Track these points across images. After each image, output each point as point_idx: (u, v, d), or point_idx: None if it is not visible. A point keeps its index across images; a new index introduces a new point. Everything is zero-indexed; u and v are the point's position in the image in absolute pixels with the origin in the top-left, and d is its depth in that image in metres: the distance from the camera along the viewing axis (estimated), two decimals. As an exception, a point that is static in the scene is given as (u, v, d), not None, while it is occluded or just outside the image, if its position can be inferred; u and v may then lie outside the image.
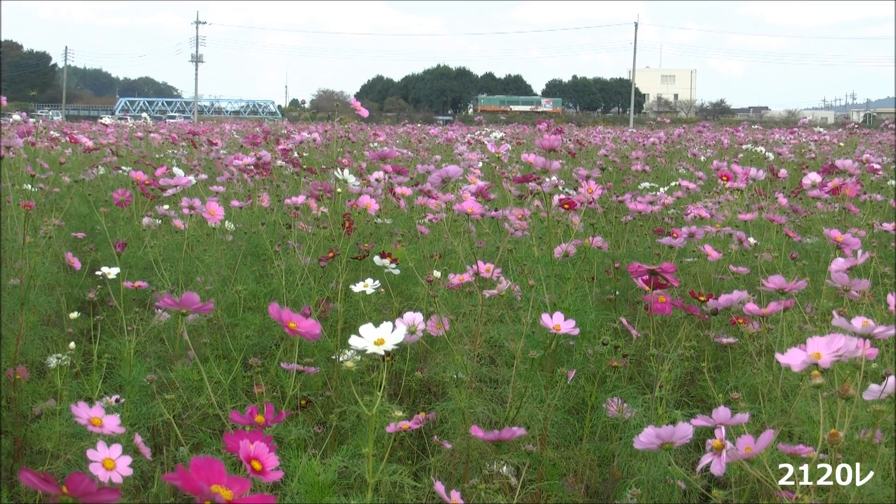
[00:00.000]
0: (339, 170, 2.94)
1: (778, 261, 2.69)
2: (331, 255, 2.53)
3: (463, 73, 76.41)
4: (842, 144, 7.69)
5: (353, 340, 1.34)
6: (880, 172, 4.43)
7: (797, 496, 1.15)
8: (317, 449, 1.73)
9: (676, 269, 2.00)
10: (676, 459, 1.81)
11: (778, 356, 1.19)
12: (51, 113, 39.64)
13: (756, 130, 10.13)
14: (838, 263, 1.86)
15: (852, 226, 3.05)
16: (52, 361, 2.03)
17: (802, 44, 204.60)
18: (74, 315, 2.44)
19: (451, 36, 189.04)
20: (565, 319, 1.82)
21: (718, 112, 61.98)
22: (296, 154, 4.44)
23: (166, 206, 3.19)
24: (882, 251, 2.93)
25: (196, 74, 59.09)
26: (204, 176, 3.97)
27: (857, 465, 1.28)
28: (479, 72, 78.04)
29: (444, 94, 73.79)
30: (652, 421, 1.77)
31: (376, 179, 3.26)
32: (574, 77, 76.88)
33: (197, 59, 60.46)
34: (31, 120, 5.33)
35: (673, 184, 4.14)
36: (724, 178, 3.40)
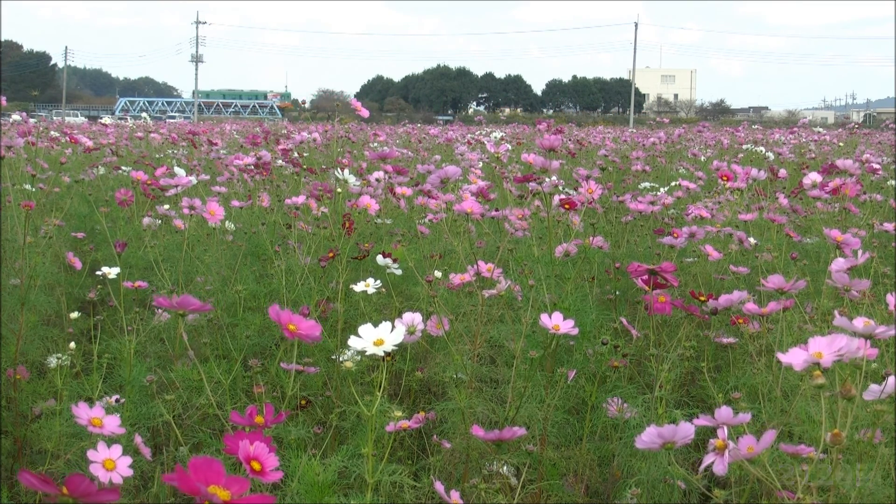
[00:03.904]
0: (339, 170, 2.94)
1: (778, 261, 2.69)
2: (331, 255, 2.53)
3: (463, 73, 76.42)
4: (842, 144, 7.69)
5: (353, 341, 1.34)
6: (880, 172, 4.43)
7: (798, 496, 1.15)
8: (317, 449, 1.73)
9: (676, 269, 2.00)
10: (676, 459, 1.80)
11: (779, 355, 1.19)
12: (53, 112, 39.44)
13: (756, 130, 10.13)
14: (838, 263, 1.85)
15: (852, 226, 3.05)
16: (52, 361, 2.03)
17: (802, 44, 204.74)
18: (74, 315, 2.44)
19: (451, 36, 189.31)
20: (565, 319, 1.82)
21: (718, 112, 61.98)
22: (296, 154, 4.44)
23: (166, 206, 3.19)
24: (882, 251, 2.93)
25: (196, 74, 59.10)
26: (206, 176, 3.98)
27: (858, 465, 1.28)
28: (479, 72, 78.14)
29: (444, 94, 73.79)
30: (652, 421, 1.77)
31: (376, 179, 3.26)
32: (574, 77, 76.95)
33: (197, 59, 60.47)
34: (32, 120, 5.33)
35: (673, 184, 4.14)
36: (725, 178, 3.40)
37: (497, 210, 3.07)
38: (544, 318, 1.81)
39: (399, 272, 2.53)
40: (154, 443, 2.20)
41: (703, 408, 2.02)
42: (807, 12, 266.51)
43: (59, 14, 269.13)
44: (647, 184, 4.39)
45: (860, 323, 1.21)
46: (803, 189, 3.28)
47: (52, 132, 7.33)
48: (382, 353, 1.33)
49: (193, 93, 60.71)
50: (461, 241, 2.53)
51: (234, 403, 1.89)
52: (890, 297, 1.65)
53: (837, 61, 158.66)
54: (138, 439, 1.53)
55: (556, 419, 1.96)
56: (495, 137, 6.80)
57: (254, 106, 62.23)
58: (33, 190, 3.70)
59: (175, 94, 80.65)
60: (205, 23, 63.70)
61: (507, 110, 65.61)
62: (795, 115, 45.79)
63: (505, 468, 1.80)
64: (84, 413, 1.38)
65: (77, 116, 33.93)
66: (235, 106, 62.21)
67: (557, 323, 1.81)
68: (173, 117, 44.67)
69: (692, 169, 5.15)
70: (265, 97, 67.19)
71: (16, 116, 5.20)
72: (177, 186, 3.02)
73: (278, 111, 59.89)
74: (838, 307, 1.97)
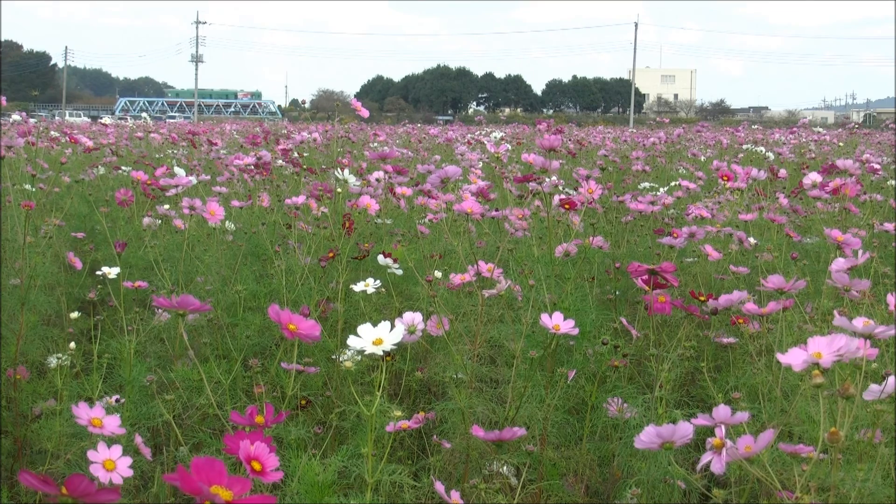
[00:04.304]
0: (339, 170, 2.94)
1: (778, 261, 2.69)
2: (331, 255, 2.53)
3: (463, 73, 76.44)
4: (842, 144, 7.69)
5: (352, 340, 1.34)
6: (880, 172, 4.43)
7: (797, 496, 1.15)
8: (317, 449, 1.73)
9: (676, 269, 2.00)
10: (676, 459, 1.80)
11: (779, 356, 1.19)
12: (57, 113, 39.21)
13: (756, 130, 10.12)
14: (839, 263, 1.85)
15: (852, 226, 3.05)
16: (53, 361, 2.03)
17: (802, 44, 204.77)
18: (75, 315, 2.44)
19: (451, 36, 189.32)
20: (565, 319, 1.82)
21: (718, 112, 61.98)
22: (296, 154, 4.44)
23: (167, 206, 3.19)
24: (882, 251, 2.93)
25: (196, 74, 59.10)
26: (206, 176, 3.98)
27: (858, 464, 1.28)
28: (479, 72, 78.15)
29: (444, 94, 73.80)
30: (652, 421, 1.77)
31: (376, 179, 3.26)
32: (574, 77, 76.99)
33: (197, 59, 60.47)
34: (32, 120, 5.33)
35: (673, 184, 4.14)
36: (725, 178, 3.40)
37: (497, 210, 3.07)
38: (544, 318, 1.81)
39: (399, 272, 2.53)
40: (154, 443, 2.20)
41: (704, 408, 2.02)
42: (807, 12, 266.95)
43: (59, 14, 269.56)
44: (647, 184, 4.39)
45: (860, 323, 1.21)
46: (803, 189, 3.28)
47: (53, 132, 7.33)
48: (382, 353, 1.33)
49: (167, 93, 61.46)
50: (461, 241, 2.53)
51: (234, 403, 1.89)
52: (890, 297, 1.65)
53: (837, 61, 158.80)
54: (138, 439, 1.53)
55: (556, 419, 1.96)
56: (495, 137, 6.80)
57: (253, 106, 62.34)
58: (33, 190, 3.70)
59: (170, 93, 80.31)
60: (205, 23, 63.71)
61: (507, 110, 65.62)
62: (795, 115, 45.81)
63: (505, 468, 1.80)
64: (84, 413, 1.38)
65: (81, 117, 33.75)
66: (236, 105, 62.36)
67: (557, 323, 1.81)
68: (173, 117, 44.71)
69: (692, 169, 5.15)
70: (235, 96, 67.47)
71: (16, 116, 5.20)
72: (177, 186, 3.02)
73: (278, 111, 60.05)
74: (838, 307, 1.97)
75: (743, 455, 1.15)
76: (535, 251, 2.32)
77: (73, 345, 2.08)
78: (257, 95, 68.60)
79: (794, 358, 1.16)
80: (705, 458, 1.18)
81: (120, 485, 1.29)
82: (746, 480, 1.68)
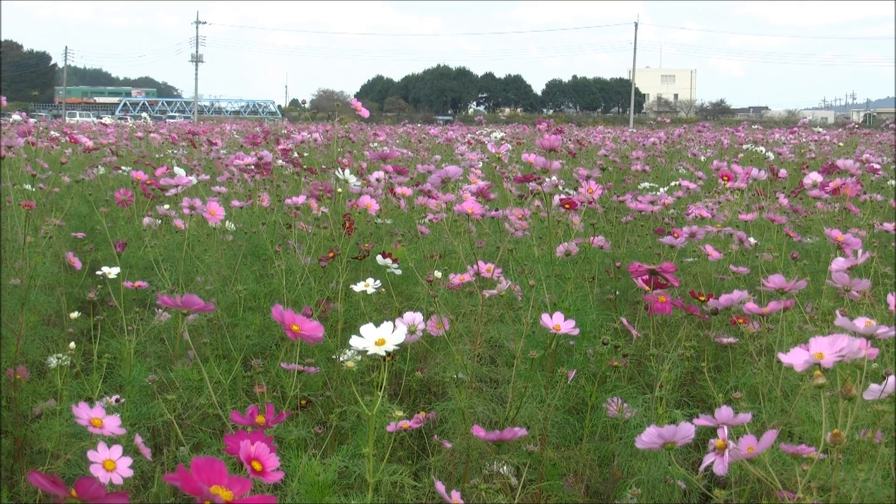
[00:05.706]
0: (339, 170, 2.94)
1: (778, 261, 2.69)
2: (331, 255, 2.53)
3: (463, 73, 76.44)
4: (842, 144, 7.69)
5: (354, 341, 1.34)
6: (880, 172, 4.43)
7: (799, 496, 1.15)
8: (317, 449, 1.73)
9: (676, 269, 2.00)
10: (676, 459, 1.80)
11: (780, 356, 1.19)
12: (66, 113, 38.99)
13: (756, 130, 10.12)
14: (839, 263, 1.85)
15: (853, 226, 3.05)
16: (53, 361, 2.03)
17: (803, 44, 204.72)
18: (75, 315, 2.44)
19: (451, 36, 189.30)
20: (565, 319, 1.82)
21: (718, 112, 61.98)
22: (296, 154, 4.44)
23: (166, 206, 3.19)
24: (882, 251, 2.93)
25: (196, 74, 59.09)
26: (206, 176, 3.97)
27: (858, 465, 1.28)
28: (479, 72, 78.13)
29: (444, 94, 73.81)
30: (652, 421, 1.77)
31: (377, 179, 3.26)
32: (574, 77, 76.99)
33: (197, 59, 60.45)
34: (32, 120, 5.33)
35: (673, 184, 4.14)
36: (725, 178, 3.40)
37: (497, 210, 3.07)
38: (545, 318, 1.81)
39: (399, 272, 2.53)
40: (154, 443, 2.20)
41: (703, 408, 2.02)
42: (807, 12, 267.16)
43: (59, 14, 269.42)
44: (647, 184, 4.39)
45: (862, 323, 1.21)
46: (803, 189, 3.28)
47: (52, 132, 7.33)
48: (384, 353, 1.33)
49: (61, 91, 62.07)
50: (461, 241, 2.53)
51: (235, 403, 1.89)
52: (890, 297, 1.65)
53: (837, 61, 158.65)
54: (138, 439, 1.53)
55: (556, 419, 1.96)
56: (496, 137, 6.80)
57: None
58: (33, 190, 3.70)
59: (175, 94, 79.72)
60: (205, 23, 63.65)
61: (507, 110, 65.66)
62: (795, 115, 45.84)
63: (505, 468, 1.80)
64: (84, 413, 1.38)
65: (90, 117, 33.52)
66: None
67: (558, 323, 1.81)
68: (173, 117, 44.74)
69: (692, 169, 5.15)
70: (129, 94, 67.44)
71: (16, 116, 5.20)
72: (177, 186, 3.02)
73: (278, 111, 59.93)
74: (838, 307, 1.97)
75: (745, 456, 1.15)
76: (535, 251, 2.32)
77: (73, 345, 2.08)
78: (151, 94, 68.17)
79: (795, 358, 1.16)
80: (708, 459, 1.18)
81: (120, 485, 1.29)
82: (747, 481, 1.68)
